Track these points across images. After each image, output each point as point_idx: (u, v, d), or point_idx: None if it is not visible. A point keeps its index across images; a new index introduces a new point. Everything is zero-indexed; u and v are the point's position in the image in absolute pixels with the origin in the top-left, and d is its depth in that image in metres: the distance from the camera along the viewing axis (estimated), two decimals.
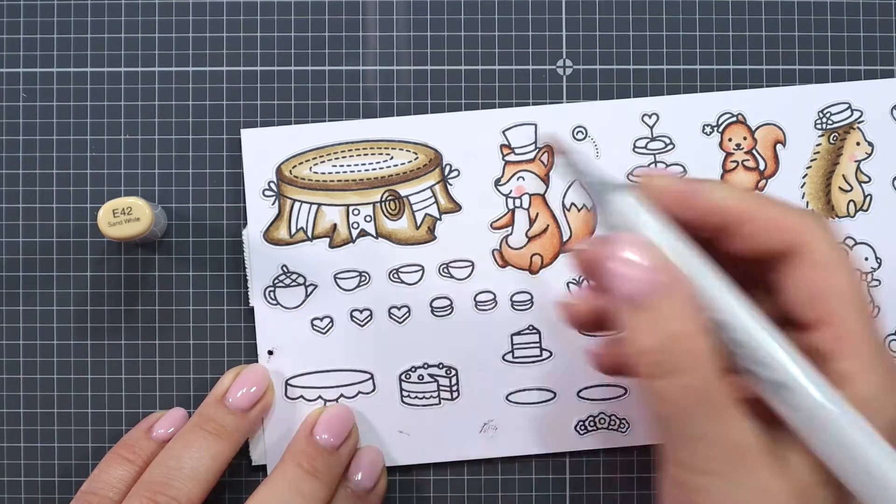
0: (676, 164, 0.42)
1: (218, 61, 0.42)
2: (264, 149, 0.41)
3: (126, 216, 0.38)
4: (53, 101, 0.42)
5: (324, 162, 0.41)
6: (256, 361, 0.41)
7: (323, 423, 0.39)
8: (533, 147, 0.42)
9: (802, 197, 0.42)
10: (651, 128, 0.42)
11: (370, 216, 0.41)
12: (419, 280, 0.41)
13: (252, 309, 0.41)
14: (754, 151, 0.42)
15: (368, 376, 0.41)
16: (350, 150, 0.41)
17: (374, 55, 0.42)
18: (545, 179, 0.42)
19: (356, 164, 0.41)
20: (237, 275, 0.42)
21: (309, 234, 0.41)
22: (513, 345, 0.41)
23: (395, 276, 0.41)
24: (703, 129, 0.42)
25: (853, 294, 0.30)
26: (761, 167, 0.42)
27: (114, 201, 0.38)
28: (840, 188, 0.42)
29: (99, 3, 0.42)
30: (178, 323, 0.41)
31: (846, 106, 0.42)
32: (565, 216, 0.42)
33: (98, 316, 0.42)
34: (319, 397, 0.41)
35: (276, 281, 0.41)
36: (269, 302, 0.41)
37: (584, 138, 0.42)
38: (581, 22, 0.42)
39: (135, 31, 0.42)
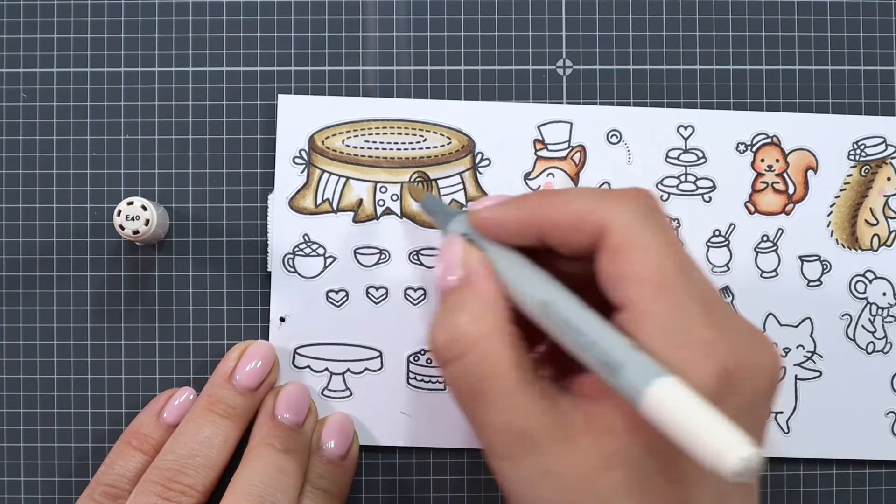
0: (706, 179, 0.42)
1: (218, 61, 0.42)
2: (299, 117, 0.41)
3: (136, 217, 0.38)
4: (53, 101, 0.42)
5: (357, 136, 0.41)
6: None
7: (283, 404, 0.39)
8: (566, 145, 0.42)
9: (828, 225, 0.42)
10: (685, 139, 0.42)
11: (397, 195, 0.41)
12: None
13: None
14: (785, 175, 0.42)
15: (377, 354, 0.41)
16: (384, 128, 0.42)
17: (374, 55, 0.42)
18: (575, 179, 0.42)
19: (389, 143, 0.42)
20: (237, 275, 0.42)
21: (334, 206, 0.41)
22: None
23: (416, 257, 0.41)
24: (737, 146, 0.42)
25: (649, 274, 0.29)
26: (790, 191, 0.42)
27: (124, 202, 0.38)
28: (866, 221, 0.42)
29: (99, 3, 0.42)
30: (178, 323, 0.41)
31: (881, 140, 0.42)
32: None
33: (98, 316, 0.42)
34: (326, 369, 0.41)
35: (297, 249, 0.41)
36: (286, 269, 0.41)
37: (618, 142, 0.42)
38: (581, 22, 0.42)
39: (135, 31, 0.42)
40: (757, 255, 0.42)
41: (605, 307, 0.31)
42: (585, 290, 0.32)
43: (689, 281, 0.30)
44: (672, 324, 0.29)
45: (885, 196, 0.42)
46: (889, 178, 0.42)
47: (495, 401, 0.31)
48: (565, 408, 0.31)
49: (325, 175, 0.41)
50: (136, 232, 0.38)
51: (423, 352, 0.41)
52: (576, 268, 0.32)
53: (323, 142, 0.41)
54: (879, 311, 0.42)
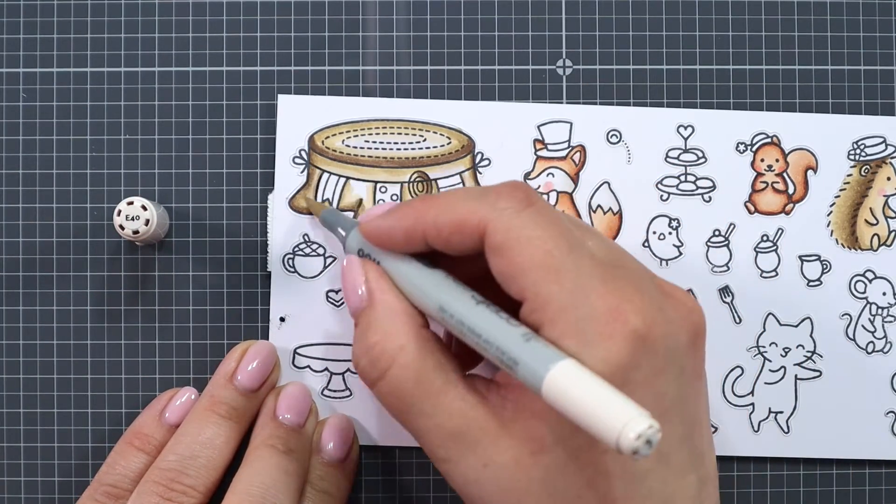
0: (706, 178, 0.42)
1: (218, 61, 0.42)
2: (299, 116, 0.41)
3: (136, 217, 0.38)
4: (53, 101, 0.42)
5: (357, 136, 0.41)
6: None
7: (284, 404, 0.39)
8: (566, 145, 0.42)
9: (828, 225, 0.42)
10: (685, 139, 0.42)
11: (397, 195, 0.41)
12: None
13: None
14: (785, 174, 0.42)
15: None
16: (384, 128, 0.42)
17: (374, 55, 0.42)
18: (574, 178, 0.42)
19: (389, 143, 0.42)
20: (237, 275, 0.42)
21: (334, 206, 0.41)
22: None
23: None
24: (737, 146, 0.42)
25: (537, 261, 0.30)
26: (790, 191, 0.42)
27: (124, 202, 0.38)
28: (866, 220, 0.42)
29: (99, 3, 0.42)
30: (178, 323, 0.41)
31: (881, 140, 0.42)
32: (591, 217, 0.42)
33: (98, 316, 0.42)
34: (326, 369, 0.41)
35: (296, 249, 0.41)
36: (286, 269, 0.41)
37: (618, 142, 0.42)
38: (581, 22, 0.42)
39: (135, 31, 0.42)
40: (757, 254, 0.42)
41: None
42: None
43: (579, 257, 0.30)
44: (571, 301, 0.29)
45: (884, 196, 0.42)
46: (889, 178, 0.42)
47: (424, 408, 0.32)
48: (494, 400, 0.32)
49: (325, 175, 0.41)
50: (136, 232, 0.38)
51: None
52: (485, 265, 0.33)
53: (323, 142, 0.41)
54: (879, 310, 0.42)
